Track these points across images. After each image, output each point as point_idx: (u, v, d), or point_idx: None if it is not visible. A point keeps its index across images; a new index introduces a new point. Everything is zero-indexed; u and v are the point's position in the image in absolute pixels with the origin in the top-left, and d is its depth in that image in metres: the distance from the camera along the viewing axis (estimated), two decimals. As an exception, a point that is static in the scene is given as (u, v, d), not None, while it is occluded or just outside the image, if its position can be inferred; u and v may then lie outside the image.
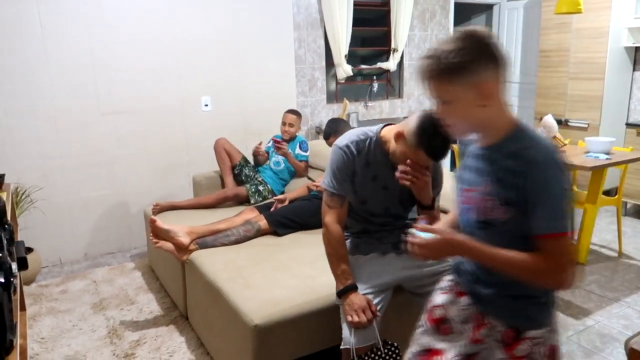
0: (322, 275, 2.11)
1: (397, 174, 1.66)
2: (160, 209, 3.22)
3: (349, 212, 1.90)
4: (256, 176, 3.61)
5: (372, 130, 1.81)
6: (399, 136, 1.65)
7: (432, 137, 1.57)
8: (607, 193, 4.33)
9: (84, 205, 3.70)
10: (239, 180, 3.60)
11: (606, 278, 3.23)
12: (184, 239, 2.55)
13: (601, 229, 4.05)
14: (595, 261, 3.49)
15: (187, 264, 2.62)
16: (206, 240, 2.61)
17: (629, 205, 4.54)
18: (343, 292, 1.71)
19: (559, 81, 4.86)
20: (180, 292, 2.78)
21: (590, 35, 4.53)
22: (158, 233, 2.56)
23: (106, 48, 3.59)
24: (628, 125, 4.37)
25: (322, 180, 1.83)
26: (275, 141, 3.58)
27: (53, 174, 3.54)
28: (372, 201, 1.84)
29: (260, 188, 3.51)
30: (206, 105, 4.06)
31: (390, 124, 1.81)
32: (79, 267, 3.62)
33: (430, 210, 1.78)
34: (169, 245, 2.54)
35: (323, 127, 4.69)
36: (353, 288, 1.71)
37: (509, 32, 5.80)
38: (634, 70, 4.71)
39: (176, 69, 3.87)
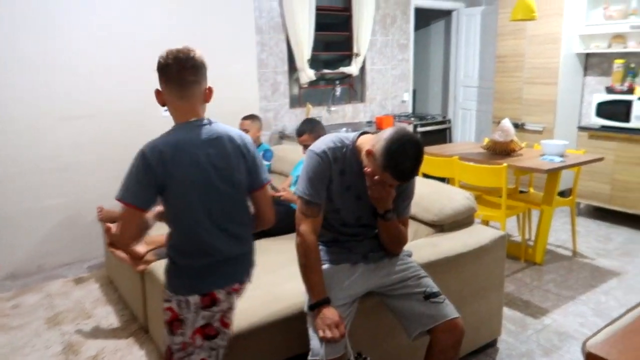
0: (285, 282, 2.09)
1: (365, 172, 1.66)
2: (108, 217, 3.10)
3: None
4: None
5: (348, 138, 1.78)
6: (369, 154, 1.63)
7: (399, 161, 1.55)
8: (561, 194, 4.49)
9: (38, 214, 3.54)
10: None
11: (562, 277, 3.34)
12: (140, 249, 2.47)
13: (556, 229, 4.19)
14: (552, 261, 3.60)
15: (146, 275, 2.54)
16: (165, 250, 2.53)
17: (581, 206, 4.72)
18: (316, 306, 1.67)
19: (515, 86, 5.01)
20: (140, 303, 2.69)
21: (544, 42, 4.69)
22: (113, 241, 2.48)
23: (62, 50, 3.46)
24: (580, 128, 4.54)
25: (296, 187, 1.79)
26: None
27: (4, 181, 3.38)
28: (344, 210, 1.81)
29: None
30: (166, 110, 3.96)
31: (366, 133, 1.79)
32: (32, 280, 3.46)
33: (386, 221, 1.76)
34: (123, 254, 2.46)
35: (286, 132, 4.68)
36: (326, 302, 1.67)
37: (467, 38, 5.95)
38: (584, 75, 4.91)
39: (136, 72, 3.76)
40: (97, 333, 2.70)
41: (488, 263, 2.38)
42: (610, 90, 4.43)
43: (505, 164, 3.17)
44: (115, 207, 3.44)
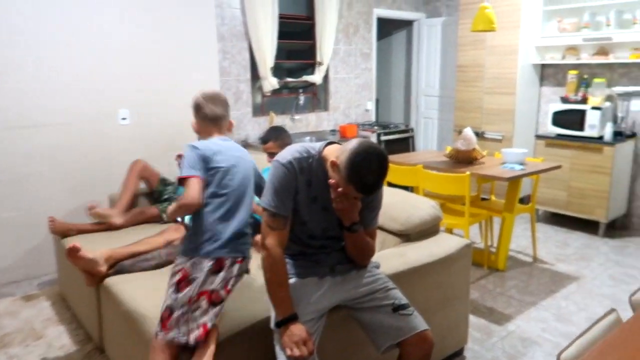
0: (250, 296, 2.02)
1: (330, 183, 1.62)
2: (61, 229, 2.95)
3: None
4: (175, 197, 3.43)
5: (314, 148, 1.74)
6: (334, 165, 1.59)
7: (362, 174, 1.52)
8: (520, 201, 4.59)
9: (-17, 229, 3.33)
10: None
11: (524, 283, 3.39)
12: (103, 268, 2.35)
13: (517, 236, 4.28)
14: (514, 267, 3.67)
15: (102, 291, 2.41)
16: (124, 264, 2.42)
17: (540, 212, 4.85)
18: (283, 323, 1.61)
19: (475, 95, 5.11)
20: (96, 322, 2.56)
21: (503, 52, 4.81)
22: (78, 262, 2.32)
23: (11, 58, 3.27)
24: (537, 137, 4.67)
25: (261, 198, 1.73)
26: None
27: (-56, 195, 3.16)
28: (311, 222, 1.76)
29: None
30: (124, 118, 3.82)
31: (333, 143, 1.75)
32: (-23, 299, 3.24)
33: (352, 233, 1.73)
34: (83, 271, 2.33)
35: (249, 141, 4.61)
36: (293, 318, 1.61)
37: (428, 48, 6.05)
38: (541, 85, 5.06)
39: (90, 80, 3.61)
40: (48, 355, 2.54)
41: (454, 272, 2.38)
42: (565, 100, 4.58)
43: (468, 173, 3.21)
44: (68, 218, 3.26)
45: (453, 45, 5.62)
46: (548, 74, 5.01)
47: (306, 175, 1.70)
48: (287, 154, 1.71)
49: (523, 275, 3.52)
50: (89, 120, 3.66)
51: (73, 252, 2.27)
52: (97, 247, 2.72)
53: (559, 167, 3.66)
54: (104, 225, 3.08)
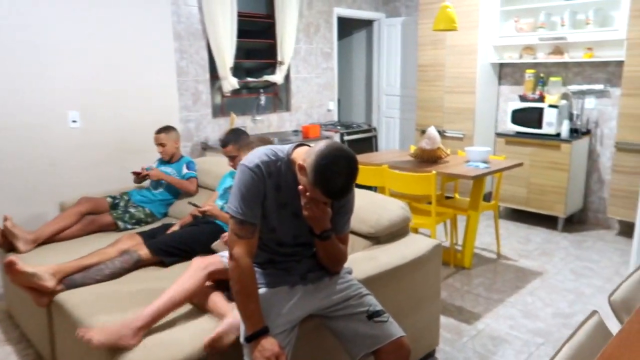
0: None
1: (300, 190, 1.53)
2: (12, 235, 2.70)
3: None
4: (129, 204, 3.26)
5: (282, 150, 1.65)
6: (301, 168, 1.51)
7: (329, 178, 1.43)
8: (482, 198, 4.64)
9: None
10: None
11: (490, 280, 3.42)
12: (50, 283, 2.17)
13: (480, 233, 4.32)
14: (479, 264, 3.69)
15: (53, 308, 2.23)
16: (74, 278, 2.25)
17: (501, 209, 4.93)
18: (253, 337, 1.51)
19: (436, 94, 5.15)
20: (47, 341, 2.37)
21: (462, 52, 4.86)
22: (17, 278, 2.14)
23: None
24: (497, 135, 4.74)
25: (227, 205, 1.62)
26: (134, 173, 3.28)
27: None
28: (281, 229, 1.67)
29: (132, 210, 3.16)
30: (74, 121, 3.60)
31: (303, 145, 1.66)
32: None
33: (323, 240, 1.65)
34: (26, 290, 2.14)
35: (209, 143, 4.45)
36: (264, 332, 1.52)
37: (389, 47, 6.05)
38: (499, 84, 5.15)
39: (36, 80, 3.37)
40: (-6, 380, 2.34)
41: (425, 273, 2.34)
42: (523, 98, 4.67)
43: (434, 172, 3.19)
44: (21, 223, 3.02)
45: (413, 45, 5.64)
46: (506, 73, 5.10)
47: (275, 180, 1.61)
48: (254, 157, 1.61)
49: (489, 273, 3.54)
50: (36, 124, 3.42)
51: (10, 266, 2.07)
52: (47, 261, 2.54)
53: (520, 164, 3.71)
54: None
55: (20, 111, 3.34)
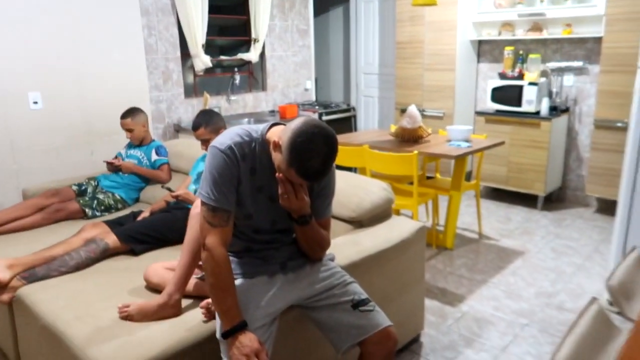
0: (193, 300, 1.80)
1: (277, 177, 1.41)
2: None
3: None
4: (97, 190, 3.09)
5: (256, 130, 1.52)
6: (276, 146, 1.39)
7: (305, 157, 1.31)
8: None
9: None
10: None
11: (472, 261, 3.38)
12: (2, 275, 2.01)
13: (461, 213, 4.28)
14: (461, 245, 3.65)
15: (15, 304, 2.08)
16: (36, 271, 2.09)
17: (481, 188, 4.89)
18: (231, 333, 1.39)
19: (415, 72, 5.04)
20: (10, 339, 2.21)
21: (441, 28, 4.75)
22: None
23: None
24: (477, 113, 4.68)
25: (198, 191, 1.49)
26: (107, 163, 3.14)
27: None
28: (257, 215, 1.55)
29: (100, 196, 2.99)
30: (35, 102, 3.38)
31: (278, 124, 1.53)
32: None
33: (302, 226, 1.54)
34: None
35: (182, 125, 4.27)
36: (242, 327, 1.40)
37: (366, 24, 5.90)
38: (478, 62, 5.07)
39: (-9, 59, 3.14)
40: (-47, 381, 2.18)
41: (410, 256, 2.26)
42: (502, 76, 4.61)
43: (415, 152, 3.10)
44: None
45: (391, 22, 5.50)
46: (485, 50, 5.02)
47: (249, 162, 1.48)
48: (225, 138, 1.48)
49: (471, 253, 3.50)
50: (-7, 106, 3.19)
51: None
52: (6, 253, 2.37)
53: (502, 143, 3.66)
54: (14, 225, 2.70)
55: (-26, 92, 3.11)
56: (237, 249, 1.62)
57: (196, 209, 1.81)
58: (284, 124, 1.49)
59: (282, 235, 1.63)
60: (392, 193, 2.40)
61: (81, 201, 2.91)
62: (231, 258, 1.61)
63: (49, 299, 1.93)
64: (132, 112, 3.16)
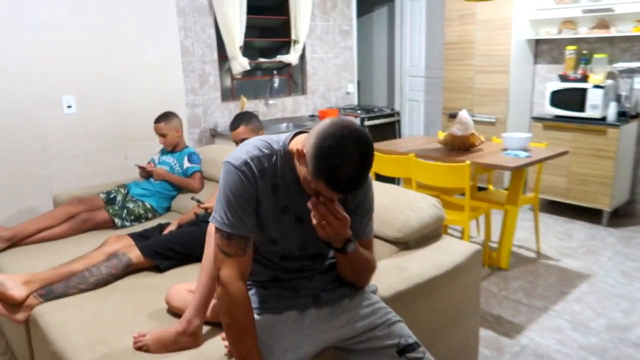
0: (211, 326, 1.59)
1: (310, 205, 1.17)
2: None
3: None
4: (127, 198, 2.96)
5: (278, 141, 1.30)
6: (300, 155, 1.16)
7: (335, 165, 1.08)
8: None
9: None
10: None
11: (530, 284, 3.03)
12: (17, 292, 1.87)
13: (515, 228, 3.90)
14: (517, 264, 3.30)
15: (30, 323, 1.93)
16: (53, 289, 1.94)
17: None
18: None
19: (465, 74, 4.70)
20: (27, 357, 2.08)
21: (495, 27, 4.40)
22: None
23: None
24: (534, 119, 4.29)
25: (212, 215, 1.27)
26: (140, 167, 3.02)
27: None
28: (284, 239, 1.32)
29: (130, 205, 2.85)
30: (69, 106, 3.29)
31: (303, 132, 1.30)
32: None
33: (345, 254, 1.29)
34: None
35: (218, 129, 4.11)
36: None
37: (412, 24, 5.59)
38: (535, 63, 4.68)
39: (25, 62, 3.06)
40: (-32, 401, 2.06)
41: (464, 284, 1.97)
42: (563, 78, 4.21)
43: (468, 162, 2.80)
44: (5, 224, 2.73)
45: (439, 21, 5.18)
46: (542, 50, 4.62)
47: (270, 179, 1.26)
48: (241, 152, 1.26)
49: (528, 275, 3.15)
50: (27, 110, 3.11)
51: None
52: (29, 264, 2.26)
53: (565, 152, 3.28)
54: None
55: (8, 95, 3.03)
56: (263, 278, 1.39)
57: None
58: (307, 131, 1.25)
59: (314, 262, 1.39)
60: (443, 210, 2.12)
61: (110, 210, 2.77)
62: (255, 289, 1.38)
63: (63, 321, 1.77)
64: (165, 117, 3.03)
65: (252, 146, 1.27)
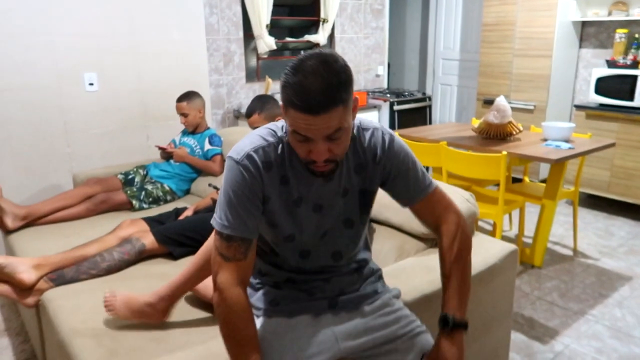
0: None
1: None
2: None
3: (263, 254, 1.27)
4: (146, 180, 2.89)
5: (282, 127, 1.17)
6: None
7: (298, 83, 0.98)
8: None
9: None
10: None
11: (566, 284, 2.83)
12: (27, 275, 1.81)
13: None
14: (551, 262, 3.10)
15: (41, 308, 1.88)
16: (64, 273, 1.88)
17: (575, 193, 4.25)
18: None
19: (503, 58, 4.44)
20: (38, 343, 2.04)
21: (537, 8, 4.11)
22: None
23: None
24: (577, 107, 4.02)
25: (214, 216, 1.16)
26: (159, 148, 2.93)
27: None
28: (302, 234, 1.20)
29: (149, 187, 2.77)
30: (91, 83, 3.22)
31: None
32: None
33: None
34: (4, 288, 1.79)
35: (242, 111, 4.00)
36: None
37: (447, 4, 5.32)
38: (580, 47, 4.38)
39: (48, 38, 2.99)
40: (-20, 382, 2.04)
41: (497, 287, 1.81)
42: (611, 64, 3.91)
43: (504, 152, 2.61)
44: (24, 203, 2.70)
45: (477, 1, 4.90)
46: (589, 33, 4.31)
47: (278, 170, 1.13)
48: (244, 144, 1.13)
49: (564, 274, 2.95)
50: (49, 87, 3.05)
51: None
52: (47, 244, 2.21)
53: (612, 144, 3.04)
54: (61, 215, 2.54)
55: (30, 71, 2.97)
56: (276, 279, 1.26)
57: None
58: None
59: (335, 260, 1.26)
60: (477, 205, 1.96)
61: (128, 192, 2.70)
62: (266, 289, 1.26)
63: (71, 309, 1.70)
64: (188, 96, 2.93)
65: (255, 136, 1.15)
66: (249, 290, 1.30)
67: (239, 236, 1.10)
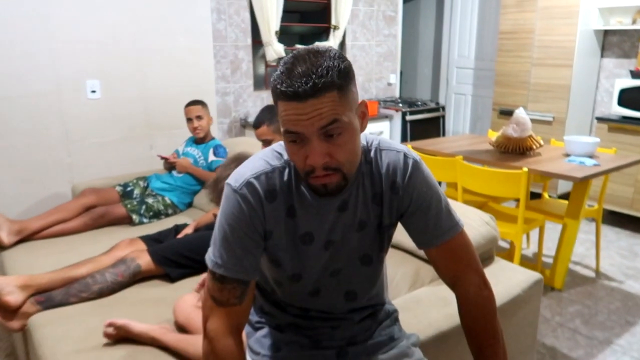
0: None
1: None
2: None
3: (265, 293, 1.13)
4: (147, 192, 2.77)
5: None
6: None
7: (285, 67, 0.86)
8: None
9: None
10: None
11: (589, 309, 2.66)
12: (13, 298, 1.69)
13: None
14: (573, 284, 2.92)
15: (27, 334, 1.75)
16: (52, 295, 1.76)
17: (595, 209, 4.06)
18: None
19: (520, 67, 4.28)
20: (26, 366, 1.92)
21: (558, 16, 3.95)
22: None
23: None
24: (599, 119, 3.84)
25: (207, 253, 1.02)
26: (162, 158, 2.83)
27: None
28: (309, 273, 1.05)
29: (149, 200, 2.65)
30: (93, 91, 3.12)
31: None
32: None
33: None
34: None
35: (249, 120, 3.88)
36: None
37: (463, 11, 5.17)
38: (601, 57, 4.20)
39: (49, 45, 2.89)
40: (-37, 410, 1.91)
41: (520, 319, 1.66)
42: (635, 74, 3.74)
43: (525, 169, 2.45)
44: (23, 215, 2.59)
45: (494, 8, 4.75)
46: (611, 42, 4.14)
47: (283, 201, 0.98)
48: (245, 169, 0.99)
49: (587, 298, 2.77)
50: (50, 94, 2.95)
51: None
52: (40, 260, 2.09)
53: (639, 161, 2.86)
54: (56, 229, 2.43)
55: (30, 79, 2.88)
56: (279, 322, 1.12)
57: None
58: None
59: (347, 302, 1.11)
60: (497, 229, 1.80)
61: (128, 205, 2.58)
62: (268, 330, 1.12)
63: (59, 338, 1.58)
64: (201, 101, 2.86)
65: (258, 160, 1.00)
66: (247, 328, 1.16)
67: (234, 277, 0.95)
